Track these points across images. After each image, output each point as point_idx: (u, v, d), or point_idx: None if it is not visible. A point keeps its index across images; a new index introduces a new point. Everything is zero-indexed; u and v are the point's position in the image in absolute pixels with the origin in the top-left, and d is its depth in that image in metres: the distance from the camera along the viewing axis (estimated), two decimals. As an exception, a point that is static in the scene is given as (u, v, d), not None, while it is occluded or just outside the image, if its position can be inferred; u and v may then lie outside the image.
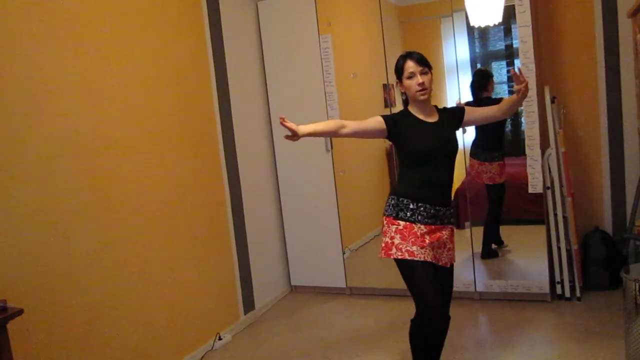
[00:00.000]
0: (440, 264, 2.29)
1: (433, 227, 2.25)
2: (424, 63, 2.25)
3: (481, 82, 3.72)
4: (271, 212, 4.00)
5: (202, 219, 3.26)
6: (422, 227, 2.23)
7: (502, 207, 3.80)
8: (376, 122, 2.28)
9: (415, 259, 2.20)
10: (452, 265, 2.38)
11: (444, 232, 2.28)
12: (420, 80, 2.22)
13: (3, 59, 2.17)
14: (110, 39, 2.67)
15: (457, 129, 2.39)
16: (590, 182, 3.70)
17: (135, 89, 2.81)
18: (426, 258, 2.21)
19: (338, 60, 3.80)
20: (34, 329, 2.19)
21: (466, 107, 2.41)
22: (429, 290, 2.21)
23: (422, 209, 2.23)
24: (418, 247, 2.21)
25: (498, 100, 2.49)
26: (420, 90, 2.23)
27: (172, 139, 3.04)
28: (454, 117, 2.37)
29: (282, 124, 2.07)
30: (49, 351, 2.28)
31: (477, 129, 3.75)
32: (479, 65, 4.01)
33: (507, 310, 3.36)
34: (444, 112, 2.37)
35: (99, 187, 2.57)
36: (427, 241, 2.23)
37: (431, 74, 2.28)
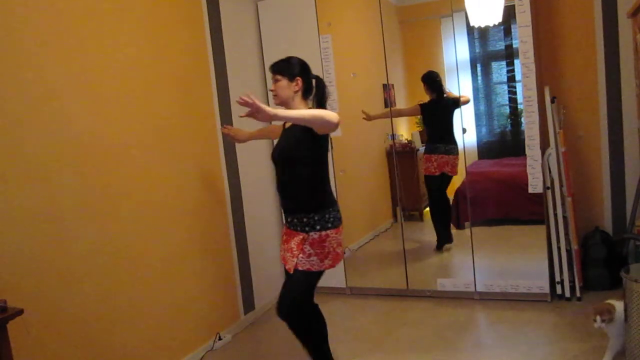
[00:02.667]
0: (286, 266, 2.40)
1: (288, 231, 2.44)
2: (275, 70, 2.43)
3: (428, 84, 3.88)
4: (271, 212, 4.00)
5: (202, 219, 3.26)
6: (285, 229, 2.49)
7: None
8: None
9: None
10: (296, 271, 2.36)
11: (294, 239, 2.38)
12: (271, 87, 2.45)
13: (3, 59, 2.17)
14: (110, 39, 2.67)
15: (315, 136, 2.29)
16: (590, 182, 3.70)
17: (135, 88, 2.81)
18: (281, 258, 2.48)
19: (338, 60, 3.81)
20: (34, 329, 2.19)
21: None
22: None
23: (283, 212, 2.48)
24: (280, 248, 2.52)
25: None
26: (273, 96, 2.45)
27: (172, 139, 3.04)
28: None
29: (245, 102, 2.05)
30: (49, 351, 2.28)
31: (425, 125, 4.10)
32: (479, 65, 4.01)
33: (507, 310, 3.36)
34: None
35: (99, 187, 2.57)
36: (285, 245, 2.45)
37: (288, 80, 2.39)
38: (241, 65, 3.73)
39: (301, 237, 2.35)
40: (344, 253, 2.49)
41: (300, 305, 2.42)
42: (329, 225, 2.34)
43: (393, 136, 3.95)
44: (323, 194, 2.39)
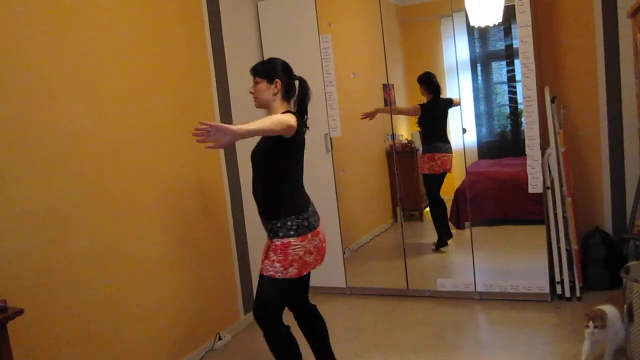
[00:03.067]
0: (264, 272, 2.35)
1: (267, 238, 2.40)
2: (254, 72, 2.39)
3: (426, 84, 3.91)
4: (271, 212, 3.99)
5: (202, 219, 3.26)
6: None
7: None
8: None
9: None
10: (263, 276, 2.32)
11: (273, 242, 2.33)
12: (250, 90, 2.41)
13: (4, 59, 2.17)
14: (109, 38, 2.67)
15: (277, 141, 2.24)
16: (590, 182, 3.70)
17: (135, 89, 2.81)
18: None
19: (338, 60, 3.81)
20: (34, 329, 2.19)
21: None
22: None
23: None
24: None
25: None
26: (253, 99, 2.41)
27: (172, 139, 3.04)
28: None
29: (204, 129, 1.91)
30: (49, 351, 2.28)
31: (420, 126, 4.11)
32: (479, 65, 4.02)
33: (507, 310, 3.36)
34: None
35: (99, 186, 2.56)
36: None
37: (267, 82, 2.35)
38: (241, 66, 3.73)
39: (272, 243, 2.33)
40: (316, 261, 2.37)
41: (266, 312, 2.33)
42: (292, 232, 2.27)
43: (393, 136, 3.95)
44: (285, 201, 2.31)
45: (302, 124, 2.35)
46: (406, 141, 4.22)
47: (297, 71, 2.47)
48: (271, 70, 2.37)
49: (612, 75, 3.52)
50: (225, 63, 3.53)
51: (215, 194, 3.40)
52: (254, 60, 3.88)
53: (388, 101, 3.95)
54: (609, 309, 2.45)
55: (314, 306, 2.60)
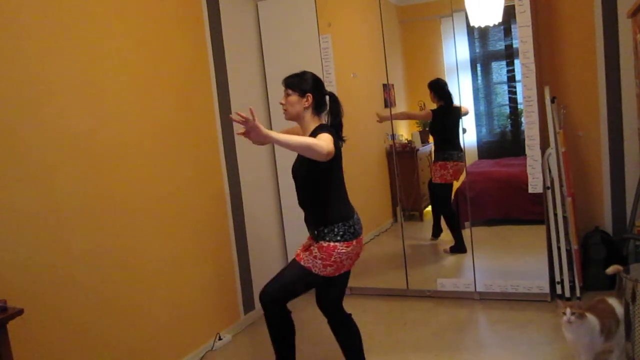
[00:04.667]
0: (300, 260, 2.41)
1: (310, 238, 2.46)
2: (287, 84, 2.39)
3: (436, 91, 3.86)
4: (271, 212, 4.00)
5: (202, 219, 3.26)
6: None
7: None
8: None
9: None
10: (298, 264, 2.39)
11: (319, 242, 2.37)
12: (282, 101, 2.42)
13: (4, 59, 2.17)
14: (109, 39, 2.67)
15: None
16: (590, 182, 3.70)
17: (136, 89, 2.81)
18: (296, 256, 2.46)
19: (338, 60, 3.80)
20: (34, 329, 2.19)
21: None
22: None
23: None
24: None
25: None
26: (283, 110, 2.42)
27: (173, 139, 3.04)
28: None
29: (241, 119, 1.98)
30: (49, 351, 2.28)
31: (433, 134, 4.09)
32: (479, 65, 4.01)
33: (507, 310, 3.36)
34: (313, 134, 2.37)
35: (99, 187, 2.57)
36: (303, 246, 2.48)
37: (298, 95, 2.36)
38: (241, 66, 3.73)
39: (317, 246, 2.38)
40: (350, 265, 2.44)
41: (279, 293, 2.42)
42: (338, 238, 2.34)
43: (393, 136, 3.95)
44: (331, 210, 2.37)
45: (338, 141, 2.38)
46: (406, 141, 4.22)
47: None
48: (304, 84, 2.37)
49: (612, 75, 3.52)
50: (225, 63, 3.53)
51: (216, 194, 3.40)
52: (254, 60, 3.90)
53: (388, 101, 3.94)
54: (612, 301, 2.44)
55: (349, 315, 2.60)
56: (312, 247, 2.39)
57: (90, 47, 2.56)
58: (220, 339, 3.29)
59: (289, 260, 4.06)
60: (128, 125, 2.75)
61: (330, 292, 2.51)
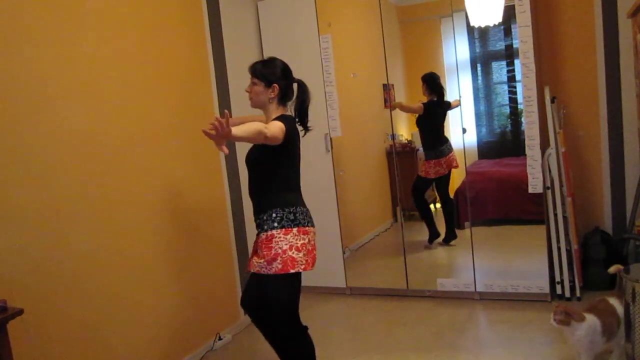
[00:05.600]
0: (251, 269, 2.32)
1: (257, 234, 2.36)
2: (253, 73, 2.35)
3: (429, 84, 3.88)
4: (271, 212, 3.99)
5: (202, 219, 3.26)
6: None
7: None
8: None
9: None
10: (262, 275, 2.24)
11: (259, 237, 2.31)
12: (246, 89, 2.38)
13: (4, 60, 2.17)
14: (109, 39, 2.67)
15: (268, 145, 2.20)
16: (590, 182, 3.70)
17: (136, 89, 2.81)
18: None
19: (338, 60, 3.81)
20: (34, 329, 2.19)
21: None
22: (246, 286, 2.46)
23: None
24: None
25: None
26: (249, 98, 2.38)
27: (173, 139, 3.04)
28: None
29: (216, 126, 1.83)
30: (49, 351, 2.28)
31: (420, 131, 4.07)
32: (479, 65, 4.01)
33: (507, 310, 3.36)
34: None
35: (98, 186, 2.57)
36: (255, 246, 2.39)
37: (264, 85, 2.31)
38: (241, 66, 3.72)
39: (263, 236, 2.28)
40: (307, 263, 2.27)
41: (287, 319, 2.33)
42: (275, 224, 2.22)
43: (393, 136, 3.95)
44: (272, 197, 2.28)
45: (295, 130, 2.30)
46: (406, 141, 4.22)
47: (296, 71, 2.45)
48: (270, 74, 2.32)
49: (612, 75, 3.52)
50: (225, 63, 3.53)
51: (216, 194, 3.40)
52: (254, 60, 3.88)
53: (388, 101, 3.95)
54: (613, 301, 2.44)
55: (306, 327, 2.45)
56: (256, 249, 2.30)
57: (90, 47, 2.56)
58: (220, 339, 3.29)
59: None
60: (128, 125, 2.75)
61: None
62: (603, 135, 3.61)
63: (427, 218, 4.15)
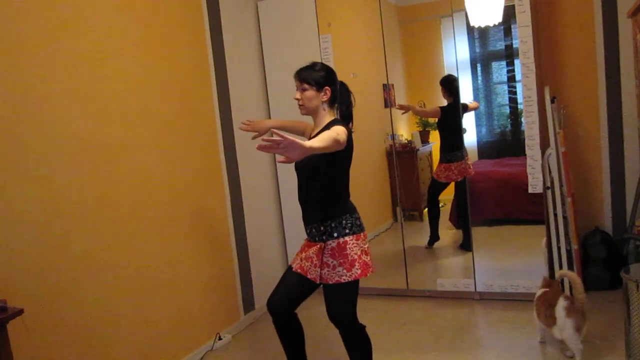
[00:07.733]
0: (308, 276, 2.30)
1: (309, 242, 2.36)
2: (302, 78, 2.28)
3: (447, 87, 3.82)
4: (271, 212, 4.00)
5: (202, 219, 3.26)
6: (305, 241, 2.40)
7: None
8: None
9: (290, 264, 2.43)
10: (326, 286, 2.27)
11: (312, 248, 2.29)
12: (296, 96, 2.30)
13: (5, 60, 2.17)
14: (109, 39, 2.67)
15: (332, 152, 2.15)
16: (590, 182, 3.70)
17: (136, 89, 2.81)
18: (295, 267, 2.37)
19: (338, 60, 3.80)
20: (34, 329, 2.19)
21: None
22: (276, 289, 2.43)
23: (304, 223, 2.37)
24: (297, 257, 2.41)
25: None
26: (299, 106, 2.32)
27: (172, 140, 3.04)
28: None
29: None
30: (49, 351, 2.28)
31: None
32: (479, 65, 4.01)
33: (507, 310, 3.36)
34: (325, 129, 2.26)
35: (99, 187, 2.57)
36: (302, 254, 2.36)
37: (316, 90, 2.26)
38: (241, 66, 3.73)
39: (318, 246, 2.27)
40: (373, 265, 2.32)
41: (352, 319, 2.33)
42: (347, 231, 2.25)
43: (393, 136, 3.95)
44: (340, 203, 2.29)
45: (350, 133, 2.28)
46: (406, 141, 4.22)
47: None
48: (320, 77, 2.27)
49: (612, 75, 3.52)
50: (225, 63, 3.53)
51: (216, 195, 3.40)
52: (254, 60, 3.89)
53: (388, 101, 3.95)
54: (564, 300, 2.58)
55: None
56: (324, 259, 2.25)
57: (90, 48, 2.56)
58: (220, 339, 3.29)
59: (289, 261, 4.06)
60: (128, 127, 2.75)
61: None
62: (603, 135, 3.61)
63: (433, 220, 4.11)
